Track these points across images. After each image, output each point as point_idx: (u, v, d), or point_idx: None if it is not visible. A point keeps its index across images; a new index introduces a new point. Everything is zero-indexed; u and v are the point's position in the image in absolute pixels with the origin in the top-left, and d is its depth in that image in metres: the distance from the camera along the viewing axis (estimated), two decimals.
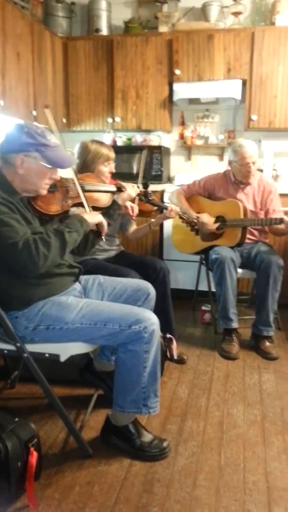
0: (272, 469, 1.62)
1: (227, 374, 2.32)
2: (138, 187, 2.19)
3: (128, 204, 2.12)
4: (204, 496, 1.49)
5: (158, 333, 1.68)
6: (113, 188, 1.98)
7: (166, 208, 2.38)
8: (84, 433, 1.81)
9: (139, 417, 1.76)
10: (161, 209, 2.42)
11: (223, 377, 2.29)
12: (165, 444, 1.70)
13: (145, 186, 2.31)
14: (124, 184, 2.08)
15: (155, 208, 2.45)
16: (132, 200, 2.19)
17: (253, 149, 2.60)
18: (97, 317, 1.60)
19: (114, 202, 1.96)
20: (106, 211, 1.91)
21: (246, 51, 3.35)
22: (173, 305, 3.28)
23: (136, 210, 2.16)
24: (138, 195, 2.17)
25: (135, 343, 1.60)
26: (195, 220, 2.52)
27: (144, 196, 2.23)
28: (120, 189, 2.00)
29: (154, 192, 3.32)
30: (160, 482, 1.56)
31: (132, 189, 2.07)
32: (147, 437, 1.71)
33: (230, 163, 2.72)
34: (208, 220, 2.67)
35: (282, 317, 2.99)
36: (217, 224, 2.67)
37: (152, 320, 1.65)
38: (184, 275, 3.40)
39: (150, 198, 2.28)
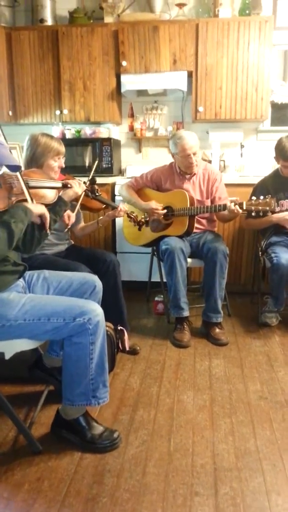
0: (220, 451, 1.67)
1: (179, 362, 2.37)
2: (85, 183, 2.18)
3: (65, 212, 2.10)
4: (153, 483, 1.52)
5: (103, 324, 1.68)
6: (59, 185, 1.96)
7: (115, 207, 2.38)
8: (36, 430, 1.80)
9: (91, 409, 1.77)
10: (109, 206, 2.42)
11: (174, 365, 2.34)
12: (115, 435, 1.71)
13: (93, 181, 2.30)
14: (70, 181, 2.05)
15: (104, 205, 2.45)
16: (78, 197, 2.17)
17: (193, 141, 2.64)
18: (41, 312, 1.58)
19: (59, 199, 1.93)
20: (52, 208, 1.88)
21: (191, 43, 3.38)
22: (128, 297, 3.31)
23: (72, 219, 2.16)
24: (85, 191, 2.16)
25: (80, 336, 1.60)
26: (143, 220, 2.56)
27: (91, 193, 2.22)
28: (66, 186, 1.97)
29: (104, 184, 3.34)
30: (110, 472, 1.57)
31: (78, 187, 2.05)
32: (97, 429, 1.71)
33: (172, 155, 2.75)
34: (156, 205, 2.72)
35: (232, 304, 3.08)
36: (164, 211, 2.72)
37: (97, 311, 1.65)
38: (137, 267, 3.42)
39: (97, 194, 2.27)
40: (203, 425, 1.83)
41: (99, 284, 1.98)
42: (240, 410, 1.93)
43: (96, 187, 2.28)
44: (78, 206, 2.28)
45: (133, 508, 1.41)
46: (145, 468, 1.59)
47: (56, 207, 1.90)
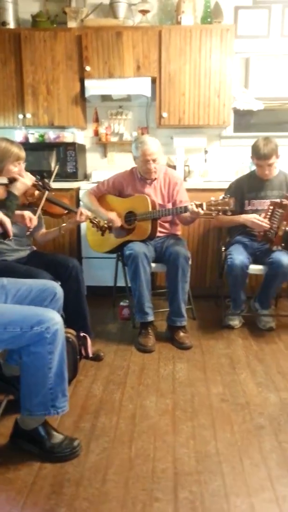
0: (180, 455, 1.68)
1: (143, 367, 2.37)
2: (36, 176, 2.16)
3: (26, 214, 2.07)
4: (113, 490, 1.51)
5: (62, 333, 1.66)
6: (5, 180, 1.93)
7: (75, 212, 2.37)
8: None
9: (52, 418, 1.74)
10: (71, 212, 2.41)
11: (138, 370, 2.33)
12: (75, 443, 1.69)
13: (42, 176, 2.27)
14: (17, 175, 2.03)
15: (66, 211, 2.43)
16: (39, 201, 2.15)
17: (154, 147, 2.66)
18: None
19: (9, 193, 1.90)
20: (3, 204, 1.84)
21: (154, 49, 3.41)
22: (94, 302, 3.30)
23: (34, 222, 2.12)
24: (35, 185, 2.14)
25: (38, 345, 1.57)
26: (106, 225, 2.56)
27: (42, 187, 2.20)
28: (13, 180, 1.94)
29: (69, 189, 3.31)
30: (69, 481, 1.55)
31: (26, 178, 2.02)
32: (57, 438, 1.69)
33: (134, 159, 2.76)
34: (115, 218, 2.73)
35: (197, 307, 3.11)
36: (120, 224, 2.74)
37: (55, 319, 1.62)
38: (103, 272, 3.40)
39: (48, 188, 2.24)
40: (165, 430, 1.83)
41: (59, 291, 1.96)
42: (202, 414, 1.94)
43: (46, 181, 2.25)
44: (39, 210, 2.25)
45: None
46: (105, 476, 1.58)
47: (7, 203, 1.85)
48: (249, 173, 2.97)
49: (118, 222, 2.74)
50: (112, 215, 2.74)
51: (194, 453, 1.69)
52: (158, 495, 1.49)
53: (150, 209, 2.66)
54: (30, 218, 2.11)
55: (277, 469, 1.60)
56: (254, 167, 2.89)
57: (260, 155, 2.69)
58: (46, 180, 2.23)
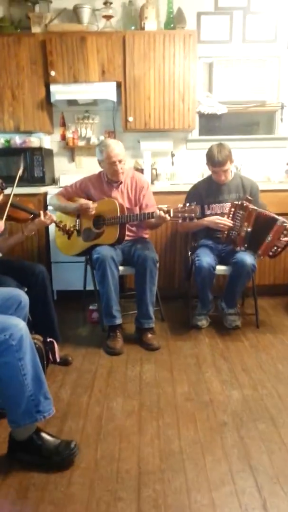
0: (145, 455, 1.72)
1: (111, 370, 2.39)
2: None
3: None
4: (78, 492, 1.53)
5: (27, 338, 1.66)
6: None
7: (37, 214, 2.38)
8: None
9: None
10: (36, 216, 2.42)
11: (106, 373, 2.36)
12: (72, 444, 1.68)
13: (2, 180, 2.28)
14: None
15: (31, 215, 2.44)
16: (4, 207, 2.15)
17: (118, 148, 2.70)
18: None
19: None
20: None
21: (119, 54, 3.44)
22: (63, 307, 3.33)
23: (1, 227, 2.12)
24: None
25: (5, 354, 1.57)
26: (72, 229, 2.58)
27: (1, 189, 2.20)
28: None
29: (36, 194, 3.31)
30: (35, 486, 1.57)
31: None
32: (52, 443, 1.68)
33: (99, 162, 2.79)
34: (85, 201, 2.74)
35: (166, 309, 3.15)
36: (96, 204, 2.75)
37: (19, 326, 1.63)
38: (72, 276, 3.42)
39: (3, 191, 2.24)
40: (131, 431, 1.87)
41: (24, 299, 1.97)
42: (167, 413, 1.98)
43: (4, 184, 2.25)
44: (5, 215, 2.25)
45: None
46: (71, 479, 1.60)
47: None
48: (206, 178, 3.04)
49: (89, 203, 2.73)
50: (82, 200, 2.75)
51: (158, 452, 1.73)
52: (121, 495, 1.52)
53: (118, 213, 2.69)
54: None
55: (237, 464, 1.65)
56: None
57: (215, 163, 2.76)
58: (4, 184, 2.22)
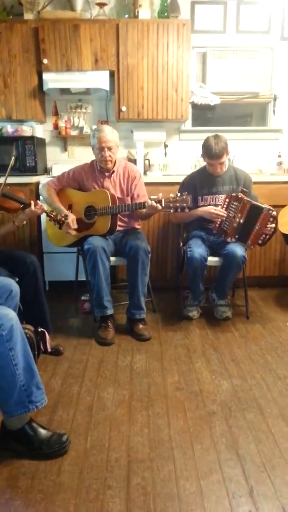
0: (134, 443, 1.74)
1: (102, 360, 2.41)
2: None
3: None
4: (67, 481, 1.55)
5: (18, 328, 1.67)
6: None
7: (27, 204, 2.36)
8: None
9: None
10: (26, 206, 2.40)
11: (97, 363, 2.37)
12: (64, 438, 1.69)
13: None
14: None
15: (21, 205, 2.43)
16: None
17: (110, 135, 2.69)
18: None
19: None
20: None
21: (112, 43, 3.41)
22: (56, 297, 3.33)
23: None
24: None
25: None
26: (63, 219, 2.56)
27: None
28: None
29: (28, 184, 3.29)
30: (25, 475, 1.58)
31: None
32: (45, 434, 1.69)
33: (92, 148, 2.77)
34: (71, 220, 2.68)
35: (157, 299, 3.17)
36: (74, 231, 2.71)
37: (9, 315, 1.63)
38: (64, 267, 3.41)
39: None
40: (121, 420, 1.88)
41: (15, 288, 1.96)
42: (157, 403, 2.01)
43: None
44: None
45: (45, 508, 1.44)
46: (61, 467, 1.61)
47: None
48: (200, 169, 3.04)
49: (72, 226, 2.68)
50: (70, 217, 2.68)
51: (147, 441, 1.75)
52: (111, 483, 1.54)
53: (110, 204, 2.68)
54: None
55: (226, 452, 1.68)
56: None
57: (211, 155, 2.76)
58: None
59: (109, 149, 2.69)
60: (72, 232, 2.69)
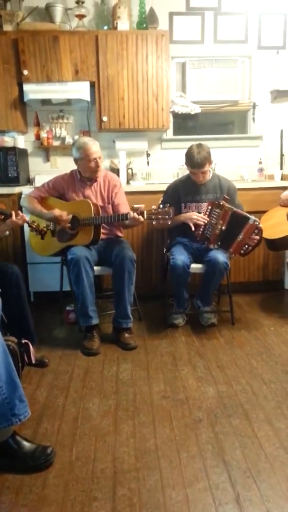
0: (120, 454, 1.72)
1: (87, 370, 2.39)
2: None
3: None
4: (52, 494, 1.53)
5: (0, 340, 1.66)
6: None
7: (7, 215, 2.35)
8: None
9: None
10: (7, 216, 2.39)
11: (83, 373, 2.36)
12: (48, 450, 1.67)
13: None
14: None
15: (2, 216, 2.42)
16: None
17: (96, 146, 2.73)
18: None
19: None
20: None
21: (92, 54, 3.44)
22: (41, 308, 3.31)
23: None
24: None
25: None
26: (45, 229, 2.56)
27: None
28: None
29: (10, 195, 3.28)
30: (9, 489, 1.55)
31: None
32: (29, 447, 1.67)
33: (76, 161, 2.78)
34: (59, 212, 2.71)
35: (143, 308, 3.16)
36: (70, 216, 2.72)
37: None
38: (49, 277, 3.39)
39: None
40: (106, 430, 1.87)
41: None
42: (143, 412, 1.99)
43: None
44: None
45: None
46: (46, 480, 1.59)
47: None
48: (185, 177, 3.06)
49: (64, 215, 2.71)
50: (56, 211, 2.72)
51: (133, 451, 1.73)
52: (97, 494, 1.52)
53: (93, 214, 2.68)
54: None
55: (212, 459, 1.68)
56: None
57: (193, 164, 2.79)
58: None
59: (100, 158, 2.73)
60: (64, 219, 2.70)
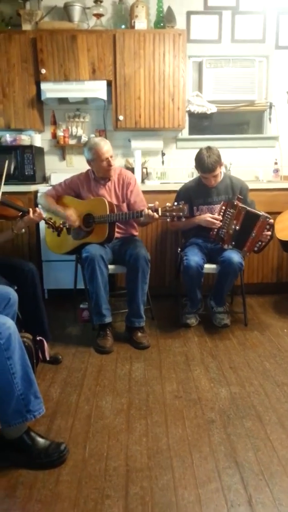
0: (133, 452, 1.74)
1: (100, 368, 2.41)
2: None
3: None
4: (65, 491, 1.55)
5: (16, 337, 1.67)
6: None
7: (25, 211, 2.38)
8: None
9: None
10: (25, 213, 2.42)
11: (96, 371, 2.37)
12: (62, 447, 1.69)
13: None
14: None
15: (20, 213, 2.44)
16: None
17: (107, 145, 2.74)
18: None
19: None
20: None
21: (109, 53, 3.45)
22: (55, 305, 3.34)
23: None
24: None
25: None
26: (61, 226, 2.59)
27: None
28: None
29: (26, 193, 3.31)
30: (23, 484, 1.58)
31: None
32: (43, 443, 1.69)
33: (89, 162, 2.79)
34: (72, 214, 2.74)
35: (156, 307, 3.17)
36: (76, 223, 2.75)
37: (7, 324, 1.64)
38: (64, 275, 3.42)
39: None
40: (119, 429, 1.88)
41: (13, 296, 1.97)
42: (155, 411, 2.00)
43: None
44: None
45: None
46: (59, 477, 1.61)
47: None
48: (195, 179, 3.05)
49: (75, 218, 2.75)
50: (70, 212, 2.75)
51: (146, 450, 1.74)
52: (109, 492, 1.54)
53: (108, 212, 2.70)
54: None
55: (224, 461, 1.68)
56: None
57: (205, 169, 2.78)
58: None
59: (111, 157, 2.75)
60: (75, 223, 2.74)
